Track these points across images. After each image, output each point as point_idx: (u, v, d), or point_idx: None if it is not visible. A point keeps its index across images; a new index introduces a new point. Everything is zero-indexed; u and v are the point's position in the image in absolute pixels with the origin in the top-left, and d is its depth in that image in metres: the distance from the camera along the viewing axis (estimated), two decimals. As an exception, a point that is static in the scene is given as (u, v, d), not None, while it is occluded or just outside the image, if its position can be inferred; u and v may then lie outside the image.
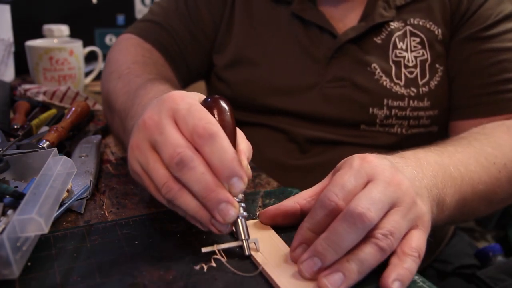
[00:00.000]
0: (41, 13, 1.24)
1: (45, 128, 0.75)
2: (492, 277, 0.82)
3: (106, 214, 0.54)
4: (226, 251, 0.46)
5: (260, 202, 0.58)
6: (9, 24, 1.14)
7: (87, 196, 0.57)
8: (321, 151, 0.81)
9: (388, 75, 0.77)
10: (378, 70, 0.77)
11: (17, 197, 0.50)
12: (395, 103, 0.77)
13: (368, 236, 0.42)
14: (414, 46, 0.78)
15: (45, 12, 1.25)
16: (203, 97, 0.50)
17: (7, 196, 0.50)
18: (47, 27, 1.13)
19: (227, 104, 0.48)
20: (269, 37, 0.83)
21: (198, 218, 0.44)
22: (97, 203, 0.56)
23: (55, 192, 0.46)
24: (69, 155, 0.67)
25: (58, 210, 0.51)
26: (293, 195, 0.51)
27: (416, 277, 0.44)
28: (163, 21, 0.86)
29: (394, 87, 0.77)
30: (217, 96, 0.49)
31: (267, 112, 0.83)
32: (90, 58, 1.19)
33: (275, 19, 0.83)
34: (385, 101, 0.77)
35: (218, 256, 0.44)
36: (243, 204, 0.45)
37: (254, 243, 0.46)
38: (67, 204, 0.53)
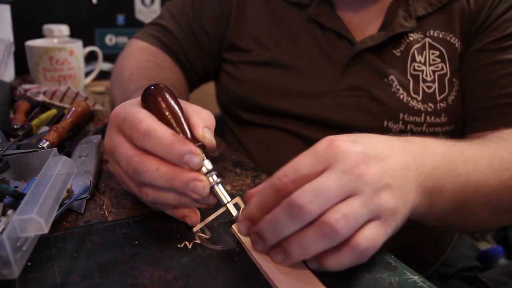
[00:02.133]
0: (41, 13, 1.24)
1: (45, 128, 0.75)
2: (494, 279, 0.82)
3: (106, 214, 0.54)
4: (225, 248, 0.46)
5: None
6: (9, 24, 1.14)
7: (87, 196, 0.56)
8: None
9: (406, 89, 0.75)
10: (396, 83, 0.75)
11: (17, 197, 0.50)
12: (412, 118, 0.74)
13: (317, 220, 0.40)
14: (433, 60, 0.75)
15: (45, 12, 1.25)
16: None
17: (7, 196, 0.50)
18: (47, 27, 1.13)
19: (165, 89, 0.49)
20: (287, 39, 0.81)
21: (184, 205, 0.48)
22: (97, 203, 0.56)
23: (55, 192, 0.46)
24: (69, 155, 0.67)
25: (58, 210, 0.51)
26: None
27: (416, 277, 0.44)
28: (168, 23, 0.88)
29: (411, 101, 0.74)
30: (152, 85, 0.50)
31: (279, 115, 0.82)
32: (90, 58, 1.19)
33: (293, 21, 0.81)
34: (401, 115, 0.74)
35: (201, 234, 0.48)
36: (213, 172, 0.47)
37: (237, 202, 0.48)
38: (67, 204, 0.53)
